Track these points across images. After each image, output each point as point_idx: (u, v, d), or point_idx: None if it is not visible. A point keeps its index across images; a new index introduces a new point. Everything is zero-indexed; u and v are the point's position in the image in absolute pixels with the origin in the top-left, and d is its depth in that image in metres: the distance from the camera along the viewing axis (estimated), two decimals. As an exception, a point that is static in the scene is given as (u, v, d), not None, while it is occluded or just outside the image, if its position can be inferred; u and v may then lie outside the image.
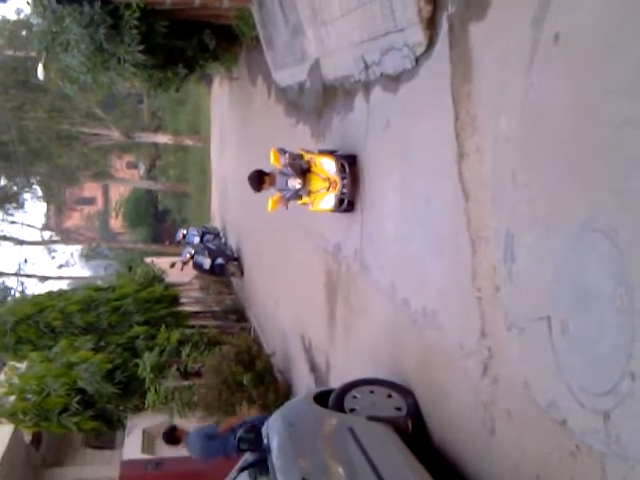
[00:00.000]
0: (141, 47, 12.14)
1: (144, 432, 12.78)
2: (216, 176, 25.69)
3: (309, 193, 7.82)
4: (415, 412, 5.78)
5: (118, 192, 47.28)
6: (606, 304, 3.44)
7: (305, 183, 7.79)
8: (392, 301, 6.45)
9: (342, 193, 7.38)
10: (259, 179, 8.12)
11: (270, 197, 8.19)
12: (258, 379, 10.49)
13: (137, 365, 12.30)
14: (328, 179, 7.49)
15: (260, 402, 10.25)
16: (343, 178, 7.32)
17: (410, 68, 6.08)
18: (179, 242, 19.46)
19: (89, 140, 31.31)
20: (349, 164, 7.32)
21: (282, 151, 7.90)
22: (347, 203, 7.45)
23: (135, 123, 33.68)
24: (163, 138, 32.88)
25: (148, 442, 12.70)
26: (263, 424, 9.04)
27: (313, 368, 9.56)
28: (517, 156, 4.35)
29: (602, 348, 3.48)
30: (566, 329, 3.78)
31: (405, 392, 5.95)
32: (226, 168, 21.47)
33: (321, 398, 5.96)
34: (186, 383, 11.75)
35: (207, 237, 18.93)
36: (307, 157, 7.84)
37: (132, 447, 12.52)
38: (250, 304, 16.09)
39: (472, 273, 4.90)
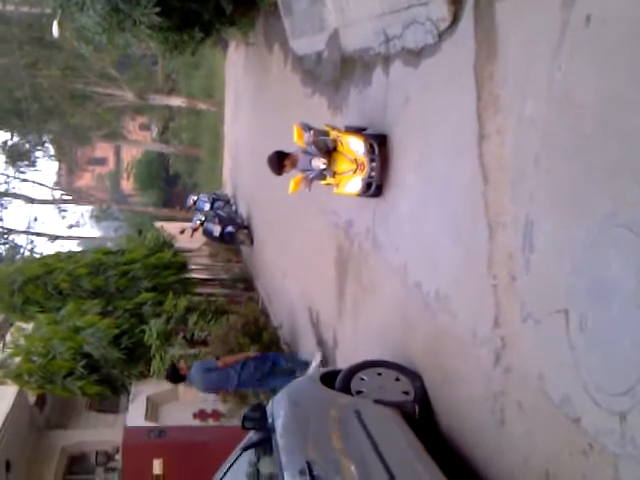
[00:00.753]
0: (157, 9, 11.93)
1: (148, 399, 12.79)
2: (229, 141, 25.51)
3: (334, 174, 7.24)
4: (423, 397, 5.69)
5: (130, 154, 47.11)
6: (628, 301, 3.31)
7: (330, 163, 7.20)
8: (404, 282, 6.33)
9: (370, 176, 6.78)
10: (279, 161, 7.48)
11: (292, 178, 7.60)
12: (265, 351, 10.42)
13: (143, 331, 12.28)
14: (355, 160, 6.91)
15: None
16: (372, 160, 6.72)
17: (432, 43, 5.89)
18: (189, 208, 19.33)
19: (102, 100, 31.08)
20: (379, 144, 6.73)
21: (306, 127, 7.28)
22: (375, 187, 6.85)
23: (149, 85, 33.38)
24: (177, 101, 32.63)
25: (152, 409, 12.70)
26: (263, 362, 9.30)
27: (320, 343, 9.48)
28: (540, 140, 4.20)
29: (621, 347, 3.35)
30: (584, 324, 3.66)
31: (413, 376, 5.85)
32: (239, 134, 21.28)
33: (328, 378, 5.87)
34: (192, 351, 11.73)
35: (218, 204, 18.78)
36: (333, 135, 7.20)
37: (136, 414, 12.52)
38: (259, 274, 16.02)
39: (488, 260, 4.77)
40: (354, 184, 6.98)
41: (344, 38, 8.55)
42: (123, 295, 13.85)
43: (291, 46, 11.89)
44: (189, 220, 19.02)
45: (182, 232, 17.71)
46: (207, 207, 18.63)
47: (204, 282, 17.30)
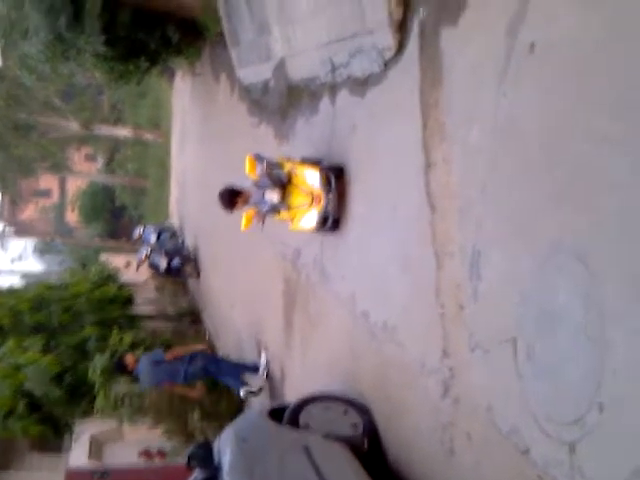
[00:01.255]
0: (102, 38, 11.79)
1: (92, 438, 12.39)
2: (175, 172, 25.28)
3: (288, 208, 6.84)
4: (371, 429, 5.59)
5: (75, 185, 46.38)
6: (575, 330, 3.27)
7: (284, 196, 6.82)
8: (352, 313, 6.25)
9: (326, 210, 6.42)
10: (231, 198, 6.98)
11: (244, 212, 7.16)
12: (211, 385, 10.21)
13: (87, 368, 11.94)
14: (311, 193, 6.55)
15: (211, 410, 10.00)
16: (328, 192, 6.38)
17: (378, 72, 5.88)
18: (136, 240, 19.03)
19: (47, 130, 30.57)
20: (336, 176, 6.41)
21: (259, 158, 6.91)
22: (332, 222, 6.49)
23: (94, 115, 32.98)
24: (123, 131, 32.29)
25: (96, 448, 12.31)
26: (211, 362, 9.18)
27: (268, 376, 9.31)
28: (486, 168, 4.17)
29: (570, 376, 3.31)
30: (532, 353, 3.61)
31: (361, 408, 5.75)
32: (186, 164, 21.10)
33: (276, 413, 5.74)
34: (137, 389, 11.43)
35: (164, 236, 18.50)
36: (288, 167, 6.87)
37: (79, 453, 12.13)
38: (206, 306, 15.79)
39: (436, 289, 4.71)
40: (310, 218, 6.61)
41: (291, 67, 8.51)
42: (66, 330, 13.51)
43: (238, 75, 11.82)
44: (135, 251, 18.70)
45: (127, 265, 17.44)
46: (153, 239, 18.32)
47: (150, 316, 16.98)
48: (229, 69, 12.60)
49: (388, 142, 5.70)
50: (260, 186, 6.84)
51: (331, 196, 6.39)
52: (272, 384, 9.04)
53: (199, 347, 9.79)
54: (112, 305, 14.45)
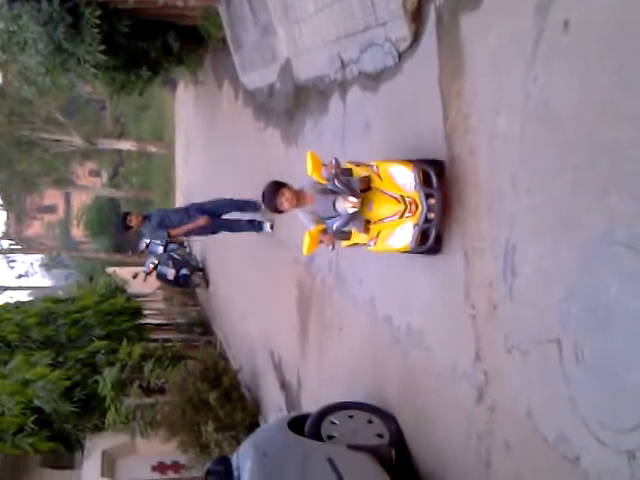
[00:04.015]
0: (102, 47, 11.53)
1: (104, 453, 12.09)
2: (181, 183, 25.12)
3: (366, 225, 4.96)
4: (398, 440, 5.31)
5: (80, 200, 46.26)
6: (633, 327, 2.99)
7: (363, 206, 4.89)
8: (372, 317, 5.98)
9: (427, 220, 4.62)
10: (275, 193, 5.11)
11: (307, 231, 5.05)
12: (225, 397, 9.96)
13: (97, 382, 11.69)
14: (403, 199, 4.70)
15: (226, 420, 9.74)
16: (428, 196, 4.59)
17: (392, 65, 5.62)
18: (142, 252, 18.76)
19: (50, 146, 30.40)
20: (436, 174, 4.65)
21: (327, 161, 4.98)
22: (434, 238, 4.68)
23: (97, 129, 32.84)
24: (126, 144, 32.10)
25: (108, 464, 12.02)
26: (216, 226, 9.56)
27: (283, 385, 9.05)
28: (518, 158, 3.91)
29: (627, 378, 3.03)
30: (580, 355, 3.33)
31: (387, 417, 5.48)
32: (191, 175, 20.93)
33: (296, 424, 5.46)
34: (149, 401, 11.19)
35: (171, 246, 18.24)
36: (360, 171, 5.00)
37: (91, 470, 11.84)
38: (216, 316, 15.56)
39: (465, 289, 4.44)
40: (402, 234, 4.75)
41: (297, 67, 8.28)
42: (74, 344, 13.22)
43: (241, 81, 11.62)
44: (142, 264, 18.46)
45: (135, 277, 17.14)
46: (160, 250, 18.05)
47: (160, 327, 16.76)
48: (232, 75, 12.42)
49: (405, 138, 5.44)
50: (328, 192, 4.96)
51: (433, 201, 4.60)
52: (289, 394, 8.77)
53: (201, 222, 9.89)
54: (120, 317, 14.19)
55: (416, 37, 5.22)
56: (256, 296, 10.94)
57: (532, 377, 3.75)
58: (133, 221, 9.59)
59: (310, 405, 7.22)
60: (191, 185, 21.02)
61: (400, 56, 5.50)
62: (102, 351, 12.74)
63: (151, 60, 13.82)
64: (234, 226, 10.20)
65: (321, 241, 4.97)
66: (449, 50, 4.73)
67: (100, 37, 11.35)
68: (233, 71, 12.02)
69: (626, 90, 3.07)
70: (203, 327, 16.55)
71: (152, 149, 31.21)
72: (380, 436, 5.37)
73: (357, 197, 4.77)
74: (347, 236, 5.11)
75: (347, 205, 4.78)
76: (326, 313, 7.30)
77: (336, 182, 4.85)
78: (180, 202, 24.57)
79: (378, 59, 5.87)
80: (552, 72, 3.62)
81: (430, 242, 4.67)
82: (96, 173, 44.23)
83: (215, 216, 9.95)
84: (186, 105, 22.28)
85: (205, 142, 17.63)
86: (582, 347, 3.31)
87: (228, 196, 10.32)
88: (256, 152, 10.78)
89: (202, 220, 9.81)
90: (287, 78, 8.76)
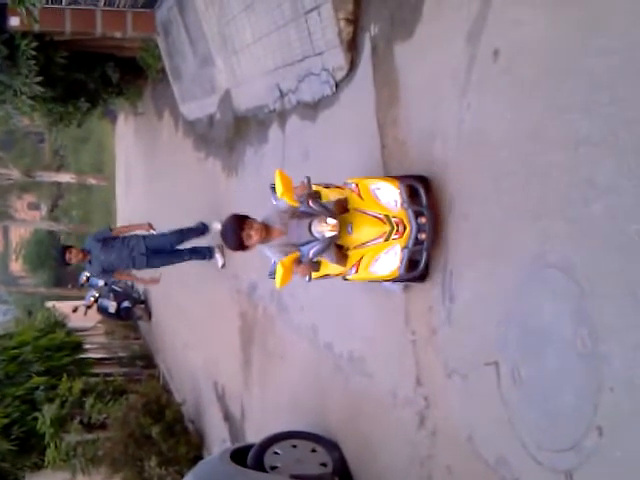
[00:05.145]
0: (39, 79, 11.39)
1: (44, 493, 11.78)
2: (121, 215, 24.83)
3: (341, 252, 4.40)
4: (342, 468, 5.28)
5: (18, 234, 45.43)
6: (566, 348, 3.04)
7: (341, 230, 4.30)
8: (314, 345, 5.97)
9: (417, 242, 4.07)
10: (239, 227, 4.44)
11: (279, 261, 4.36)
12: (168, 431, 9.80)
13: (36, 419, 11.39)
14: (388, 218, 4.16)
15: (170, 454, 9.57)
16: (418, 214, 4.06)
17: (330, 94, 5.68)
18: (82, 285, 18.46)
19: (-14, 180, 29.90)
20: (425, 189, 4.11)
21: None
22: (424, 262, 4.13)
23: (36, 162, 32.40)
24: (65, 177, 31.64)
25: (47, 504, 11.69)
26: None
27: (227, 417, 8.95)
28: (453, 184, 3.97)
29: (562, 399, 3.07)
30: (517, 377, 3.37)
31: (331, 445, 5.45)
32: (132, 207, 20.70)
33: (239, 455, 5.40)
34: (90, 437, 10.94)
35: (112, 279, 18.02)
36: (331, 194, 4.48)
37: (31, 511, 11.51)
38: (158, 349, 15.34)
39: (405, 314, 4.47)
40: (389, 260, 4.19)
41: (236, 98, 8.29)
42: (13, 381, 12.87)
43: (181, 111, 11.58)
44: (83, 298, 18.14)
45: (75, 310, 16.83)
46: (101, 283, 17.81)
47: (101, 362, 16.43)
48: (172, 106, 12.38)
49: (344, 166, 5.46)
50: (302, 216, 4.39)
51: (424, 220, 4.07)
52: (233, 425, 8.67)
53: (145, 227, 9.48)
54: (60, 352, 13.89)
55: (352, 66, 5.29)
56: (199, 327, 10.83)
57: (472, 401, 3.78)
58: (73, 259, 9.25)
59: (254, 435, 7.13)
60: (132, 217, 20.79)
61: (337, 85, 5.55)
62: (41, 387, 12.42)
63: (90, 91, 13.69)
64: (176, 258, 9.67)
65: (295, 272, 4.39)
66: (384, 78, 4.79)
67: (37, 69, 11.21)
68: (173, 102, 11.97)
69: (555, 116, 3.15)
70: (146, 360, 16.27)
71: (92, 181, 30.84)
72: (324, 465, 5.33)
73: (335, 219, 4.23)
74: (316, 267, 4.54)
75: (325, 228, 4.20)
76: (269, 342, 7.26)
77: (310, 203, 4.30)
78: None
79: (316, 88, 5.92)
80: (484, 99, 3.69)
81: (421, 266, 4.12)
82: (35, 206, 43.46)
83: (158, 252, 9.41)
84: (126, 136, 22.11)
85: (146, 173, 17.48)
86: (519, 369, 3.35)
87: (166, 229, 9.75)
88: (197, 183, 10.74)
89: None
90: (227, 108, 8.76)
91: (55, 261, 9.48)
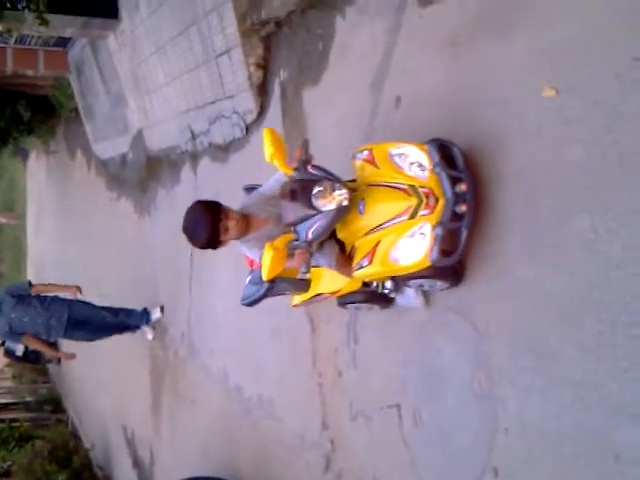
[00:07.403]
0: (-53, 117, 11.16)
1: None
2: (32, 254, 24.25)
3: (345, 254, 3.35)
4: (251, 512, 5.22)
5: None
6: (463, 390, 3.11)
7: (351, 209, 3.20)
8: (224, 388, 5.91)
9: (456, 216, 3.01)
10: (215, 213, 3.30)
11: (268, 244, 3.06)
12: (75, 478, 9.50)
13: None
14: (414, 189, 3.08)
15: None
16: (455, 180, 3.03)
17: (241, 136, 5.73)
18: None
19: None
20: (461, 152, 3.12)
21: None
22: (462, 245, 3.03)
23: (-57, 199, 31.41)
24: (-26, 216, 30.81)
25: None
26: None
27: (136, 462, 8.74)
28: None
29: (460, 440, 3.13)
30: (418, 419, 3.42)
31: (239, 490, 5.38)
32: (44, 245, 20.24)
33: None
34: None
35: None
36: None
37: None
38: (68, 393, 14.91)
39: (312, 356, 4.48)
40: (415, 244, 3.04)
41: (149, 138, 8.25)
42: None
43: (94, 151, 11.45)
44: (-11, 340, 17.52)
45: (-21, 355, 16.27)
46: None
47: (7, 407, 15.85)
48: (85, 145, 12.23)
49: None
50: (295, 194, 3.14)
51: (463, 187, 3.02)
52: (142, 470, 8.47)
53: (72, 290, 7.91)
54: (-39, 399, 13.38)
55: (262, 109, 5.35)
56: (109, 371, 10.58)
57: (376, 442, 3.80)
58: None
59: (163, 482, 7.00)
60: (43, 256, 20.32)
61: (247, 128, 5.61)
62: (-59, 434, 11.95)
63: (0, 130, 13.43)
64: (102, 333, 8.05)
65: (289, 255, 3.14)
66: (293, 122, 4.86)
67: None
68: (86, 141, 11.83)
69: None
70: (54, 404, 15.77)
71: (2, 220, 30.05)
72: (232, 510, 5.26)
73: (343, 187, 3.08)
74: (303, 287, 3.60)
75: (327, 201, 3.05)
76: (180, 385, 7.16)
77: (310, 169, 3.20)
78: (31, 274, 23.68)
79: (227, 131, 5.95)
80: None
81: (459, 250, 3.02)
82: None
83: (82, 324, 7.88)
84: (38, 175, 21.67)
85: (58, 212, 17.14)
86: (420, 410, 3.40)
87: (98, 302, 8.19)
88: (109, 222, 10.59)
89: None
90: (139, 148, 8.70)
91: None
